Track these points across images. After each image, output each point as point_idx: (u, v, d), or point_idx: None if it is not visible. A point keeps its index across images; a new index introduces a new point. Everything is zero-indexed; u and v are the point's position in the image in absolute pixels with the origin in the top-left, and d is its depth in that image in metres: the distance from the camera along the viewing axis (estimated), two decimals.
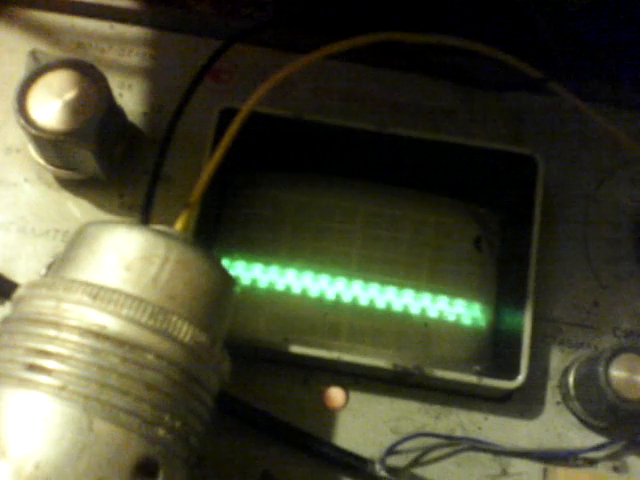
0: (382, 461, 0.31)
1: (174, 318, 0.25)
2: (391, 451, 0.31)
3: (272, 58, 0.38)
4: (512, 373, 0.31)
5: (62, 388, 0.23)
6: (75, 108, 0.32)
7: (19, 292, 0.26)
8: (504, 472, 0.32)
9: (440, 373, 0.31)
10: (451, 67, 0.38)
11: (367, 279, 0.36)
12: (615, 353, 0.31)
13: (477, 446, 0.32)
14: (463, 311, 0.35)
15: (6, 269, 0.34)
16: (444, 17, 0.39)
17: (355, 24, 0.37)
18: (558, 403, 0.33)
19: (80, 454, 0.22)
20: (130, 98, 0.37)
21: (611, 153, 0.37)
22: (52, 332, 0.24)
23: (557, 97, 0.36)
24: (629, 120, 0.38)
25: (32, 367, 0.23)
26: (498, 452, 0.32)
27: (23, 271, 0.34)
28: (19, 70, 0.36)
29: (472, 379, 0.31)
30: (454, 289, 0.35)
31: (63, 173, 0.35)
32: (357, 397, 0.33)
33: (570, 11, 0.39)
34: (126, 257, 0.25)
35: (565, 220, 0.36)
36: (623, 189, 0.37)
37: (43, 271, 0.33)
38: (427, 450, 0.32)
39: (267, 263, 0.36)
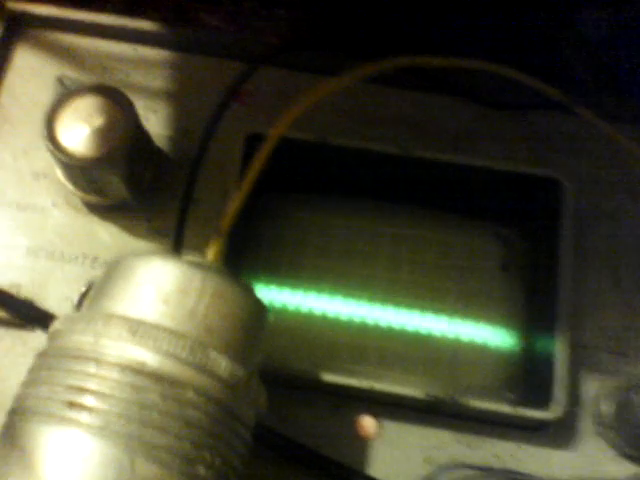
0: None
1: (212, 353, 0.24)
2: None
3: (296, 80, 0.38)
4: (546, 401, 0.31)
5: (103, 427, 0.23)
6: (103, 134, 0.32)
7: (56, 326, 0.26)
8: None
9: (475, 403, 0.31)
10: (473, 88, 0.38)
11: (393, 302, 0.35)
12: None
13: (513, 477, 0.31)
14: (492, 336, 0.35)
15: (36, 295, 0.34)
16: (466, 38, 0.39)
17: (378, 44, 0.37)
18: (594, 432, 0.33)
19: None
20: (156, 122, 0.37)
21: (638, 172, 0.37)
22: (91, 369, 0.23)
23: (580, 117, 0.35)
24: None
25: (72, 405, 0.23)
26: None
27: (53, 297, 0.34)
28: (45, 94, 0.37)
29: (508, 409, 0.31)
30: (482, 312, 0.35)
31: (91, 198, 0.35)
32: (389, 425, 0.33)
33: (595, 37, 0.39)
34: (163, 290, 0.25)
35: (593, 243, 0.36)
36: None
37: (75, 299, 0.32)
38: None
39: (293, 287, 0.35)
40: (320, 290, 0.35)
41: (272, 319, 0.30)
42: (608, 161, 0.37)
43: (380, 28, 0.40)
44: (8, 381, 0.26)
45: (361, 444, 0.32)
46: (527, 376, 0.34)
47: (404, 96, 0.38)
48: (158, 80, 0.38)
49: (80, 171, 0.33)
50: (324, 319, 0.35)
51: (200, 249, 0.30)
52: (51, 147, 0.32)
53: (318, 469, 0.31)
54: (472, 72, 0.35)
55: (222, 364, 0.24)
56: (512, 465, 0.32)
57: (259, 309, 0.28)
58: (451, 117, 0.38)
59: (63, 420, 0.23)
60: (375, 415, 0.33)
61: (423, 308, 0.35)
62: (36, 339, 0.33)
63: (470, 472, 0.31)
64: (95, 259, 0.35)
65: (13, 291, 0.34)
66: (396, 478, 0.32)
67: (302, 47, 0.38)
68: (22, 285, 0.34)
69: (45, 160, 0.35)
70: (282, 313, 0.35)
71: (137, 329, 0.24)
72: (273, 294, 0.35)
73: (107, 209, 0.35)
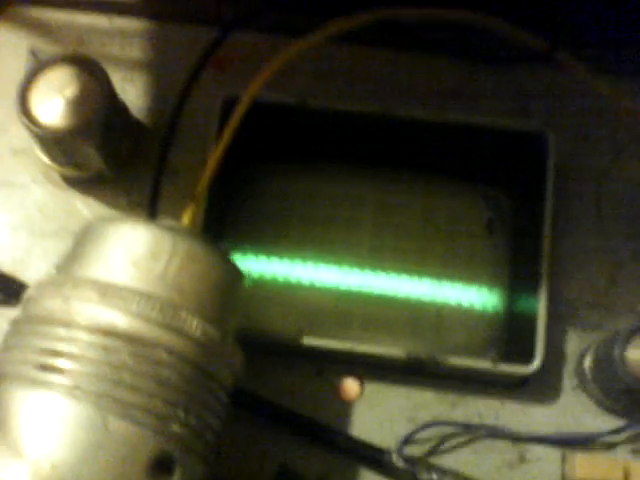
0: (399, 451, 0.31)
1: (183, 313, 0.25)
2: (408, 441, 0.31)
3: (276, 44, 0.37)
4: (528, 358, 0.31)
5: (75, 387, 0.23)
6: (77, 104, 0.32)
7: (28, 292, 0.26)
8: (522, 458, 0.32)
9: (454, 361, 0.31)
10: (453, 42, 0.37)
11: (378, 267, 0.35)
12: (632, 334, 0.30)
13: (494, 433, 0.32)
14: (477, 296, 0.35)
15: (17, 271, 0.34)
16: None
17: (353, 4, 0.36)
18: (575, 387, 0.33)
19: (96, 453, 0.22)
20: (133, 92, 0.37)
21: (623, 127, 0.36)
22: (62, 331, 0.24)
23: (565, 71, 0.35)
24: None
25: (44, 367, 0.23)
26: (515, 438, 0.32)
27: (33, 272, 0.34)
28: (21, 68, 0.36)
29: (487, 365, 0.31)
30: (467, 274, 0.35)
31: (70, 172, 0.35)
32: (372, 387, 0.33)
33: None
34: (133, 253, 0.25)
35: (579, 197, 0.36)
36: (637, 164, 0.36)
37: (53, 272, 0.32)
38: (444, 439, 0.32)
39: (277, 255, 0.36)
40: (304, 258, 0.35)
41: (249, 284, 0.30)
42: (595, 115, 0.37)
43: None
44: None
45: (344, 406, 0.33)
46: (511, 335, 0.34)
47: (383, 55, 0.38)
48: (134, 50, 0.38)
49: (55, 143, 0.33)
50: (309, 287, 0.35)
51: (177, 216, 0.30)
52: (25, 120, 0.32)
53: (303, 432, 0.32)
54: (452, 27, 0.34)
55: (193, 323, 0.24)
56: (494, 421, 0.32)
57: (233, 273, 0.28)
58: (432, 74, 0.37)
59: (36, 382, 0.23)
60: (358, 378, 0.33)
61: (407, 272, 0.35)
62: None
63: (451, 429, 0.31)
64: (75, 233, 0.34)
65: None
66: (380, 438, 0.32)
67: (277, 9, 0.38)
68: (3, 262, 0.34)
69: (24, 136, 0.35)
70: (267, 282, 0.35)
71: (106, 291, 0.24)
72: (258, 264, 0.35)
73: (86, 183, 0.35)
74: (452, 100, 0.37)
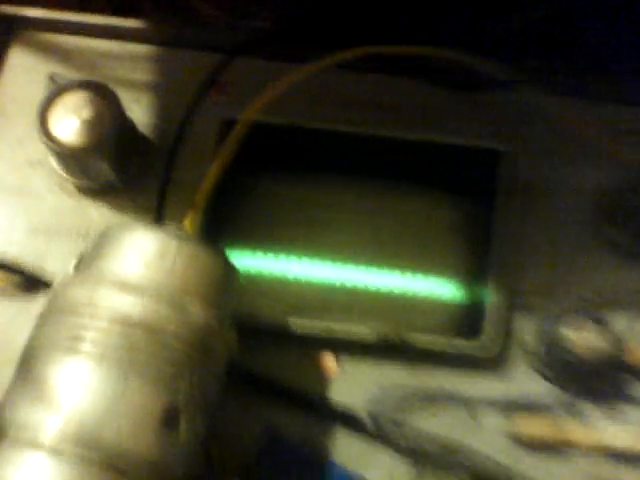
0: (372, 416, 0.35)
1: (188, 305, 0.29)
2: (379, 408, 0.35)
3: (275, 70, 0.39)
4: (486, 341, 0.36)
5: (98, 365, 0.28)
6: (91, 125, 0.36)
7: (56, 287, 0.30)
8: (475, 420, 0.36)
9: (418, 338, 0.36)
10: (431, 70, 0.41)
11: (357, 262, 0.39)
12: (571, 317, 0.35)
13: (453, 399, 0.36)
14: (443, 287, 0.39)
15: (36, 269, 0.38)
16: (419, 24, 0.43)
17: (342, 36, 0.40)
18: (527, 364, 0.37)
19: (118, 409, 0.27)
20: (140, 112, 0.40)
21: (576, 142, 0.40)
22: (86, 320, 0.28)
23: (532, 93, 0.39)
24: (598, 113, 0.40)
25: (72, 349, 0.28)
26: (471, 404, 0.36)
27: (51, 271, 0.38)
28: (38, 89, 0.40)
29: (446, 343, 0.36)
30: (435, 268, 0.39)
31: (83, 183, 0.38)
32: (349, 364, 0.37)
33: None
34: (144, 255, 0.30)
35: (531, 201, 0.39)
36: (585, 173, 0.40)
37: (70, 269, 0.37)
38: (409, 404, 0.36)
39: (267, 252, 0.39)
40: (291, 255, 0.39)
41: (243, 279, 0.34)
42: (552, 133, 0.40)
43: (346, 20, 0.43)
44: (14, 343, 0.29)
45: (324, 380, 0.36)
46: (471, 319, 0.38)
47: (367, 79, 0.41)
48: (142, 73, 0.41)
49: (71, 159, 0.36)
50: (295, 280, 0.38)
51: (180, 221, 0.35)
52: (45, 139, 0.36)
53: (288, 399, 0.36)
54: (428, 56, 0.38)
55: (196, 313, 0.29)
56: (456, 392, 0.36)
57: (229, 269, 0.32)
58: (410, 98, 0.41)
59: (66, 359, 0.28)
60: (336, 355, 0.37)
61: (382, 266, 0.39)
62: (38, 308, 0.36)
63: (415, 396, 0.36)
64: (87, 237, 0.38)
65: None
66: (355, 407, 0.36)
67: (279, 37, 0.41)
68: (24, 261, 0.38)
69: (39, 149, 0.38)
70: (259, 276, 0.38)
71: (122, 287, 0.29)
72: (251, 260, 0.39)
73: (98, 192, 0.39)
74: (429, 120, 0.40)
